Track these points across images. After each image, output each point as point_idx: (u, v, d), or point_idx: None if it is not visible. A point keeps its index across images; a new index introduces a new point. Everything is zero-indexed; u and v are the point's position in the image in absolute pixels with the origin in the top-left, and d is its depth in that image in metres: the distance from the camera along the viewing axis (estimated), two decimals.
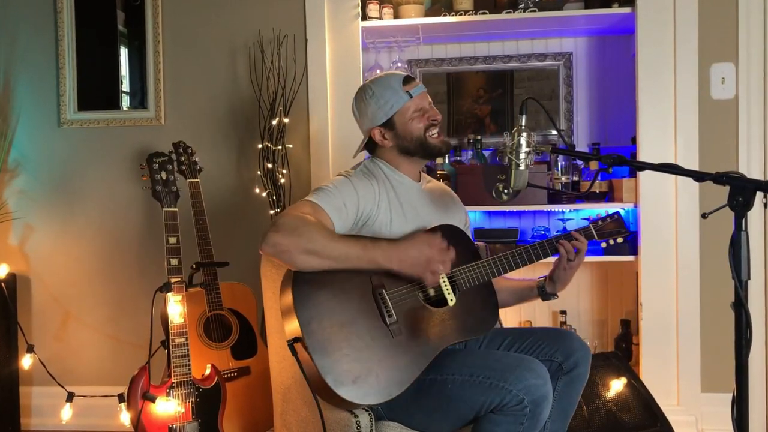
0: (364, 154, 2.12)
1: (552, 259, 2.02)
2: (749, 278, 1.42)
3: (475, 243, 2.31)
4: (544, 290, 2.06)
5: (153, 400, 2.27)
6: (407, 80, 1.97)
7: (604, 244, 2.05)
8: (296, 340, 1.66)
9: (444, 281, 1.84)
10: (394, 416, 1.81)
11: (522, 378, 1.66)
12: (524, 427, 1.67)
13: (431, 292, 1.87)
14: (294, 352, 1.66)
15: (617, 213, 2.05)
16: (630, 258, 2.88)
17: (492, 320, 1.93)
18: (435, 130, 1.98)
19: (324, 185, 1.88)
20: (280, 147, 2.93)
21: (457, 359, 1.78)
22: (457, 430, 1.79)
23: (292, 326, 1.68)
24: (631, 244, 2.87)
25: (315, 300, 1.70)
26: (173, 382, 2.30)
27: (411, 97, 1.95)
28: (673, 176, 2.76)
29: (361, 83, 2.95)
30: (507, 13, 2.90)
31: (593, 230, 2.01)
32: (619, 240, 2.02)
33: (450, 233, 1.94)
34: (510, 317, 3.17)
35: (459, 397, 1.72)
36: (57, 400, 2.92)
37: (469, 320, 1.87)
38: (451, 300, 1.83)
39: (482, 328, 1.91)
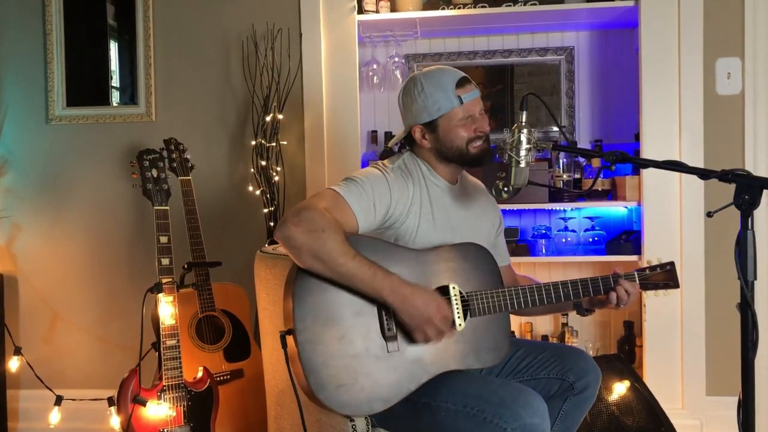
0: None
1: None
2: (755, 278, 1.41)
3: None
4: (581, 305, 1.93)
5: (143, 403, 2.25)
6: (462, 82, 1.85)
7: (647, 295, 1.89)
8: (289, 332, 1.62)
9: (456, 304, 1.76)
10: (389, 427, 1.76)
11: (517, 416, 1.59)
12: None
13: None
14: (284, 344, 1.63)
15: (672, 264, 1.87)
16: (633, 258, 2.84)
17: (498, 355, 1.83)
18: (479, 142, 1.87)
19: (358, 177, 1.78)
20: (274, 144, 2.92)
21: (452, 385, 1.71)
22: None
23: (288, 318, 1.64)
24: (635, 244, 2.84)
25: (316, 296, 1.65)
26: (164, 385, 2.29)
27: (461, 103, 1.84)
28: (677, 174, 2.73)
29: (357, 79, 2.96)
30: (507, 6, 2.88)
31: (637, 279, 1.85)
32: (667, 293, 1.86)
33: (473, 252, 1.87)
34: (510, 317, 3.11)
35: (451, 427, 1.66)
36: (45, 404, 2.91)
37: (474, 350, 1.78)
38: (460, 325, 1.74)
39: (484, 362, 1.81)
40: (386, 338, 1.67)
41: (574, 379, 1.83)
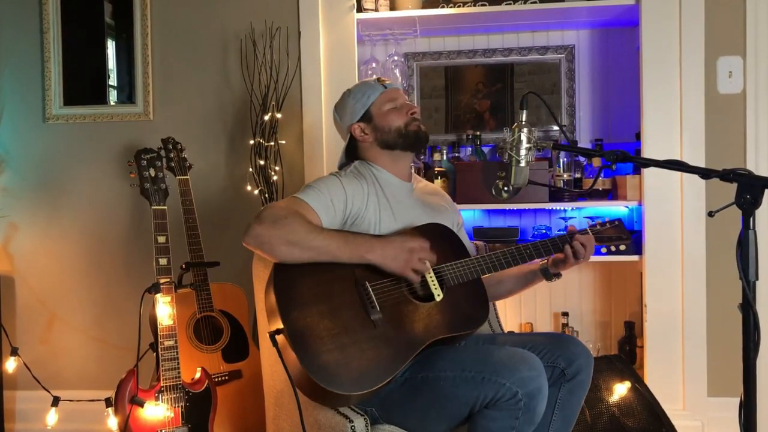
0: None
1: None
2: (757, 279, 1.41)
3: (474, 242, 2.34)
4: (548, 271, 2.04)
5: (141, 404, 2.24)
6: (382, 79, 2.07)
7: (604, 250, 2.04)
8: (278, 332, 1.66)
9: (431, 276, 1.83)
10: (390, 419, 1.78)
11: (515, 370, 1.65)
12: (519, 421, 1.66)
13: (418, 286, 1.85)
14: (275, 343, 1.66)
15: (619, 219, 2.04)
16: (634, 258, 2.83)
17: (482, 316, 1.91)
18: (416, 122, 2.01)
19: (312, 183, 1.91)
20: (272, 143, 2.90)
21: (448, 356, 1.77)
22: (453, 430, 1.77)
23: (274, 316, 1.69)
24: (636, 244, 2.82)
25: (296, 290, 1.71)
26: (162, 386, 2.28)
27: (386, 88, 2.02)
28: (678, 173, 2.72)
29: (356, 77, 2.97)
30: (507, 4, 2.86)
31: (590, 233, 1.99)
32: (622, 247, 2.01)
33: (438, 231, 1.97)
34: (510, 318, 3.12)
35: (452, 394, 1.70)
36: (42, 405, 2.90)
37: (458, 316, 1.86)
38: (438, 295, 1.82)
39: (471, 324, 1.88)
40: (372, 317, 1.72)
41: (565, 365, 1.85)
